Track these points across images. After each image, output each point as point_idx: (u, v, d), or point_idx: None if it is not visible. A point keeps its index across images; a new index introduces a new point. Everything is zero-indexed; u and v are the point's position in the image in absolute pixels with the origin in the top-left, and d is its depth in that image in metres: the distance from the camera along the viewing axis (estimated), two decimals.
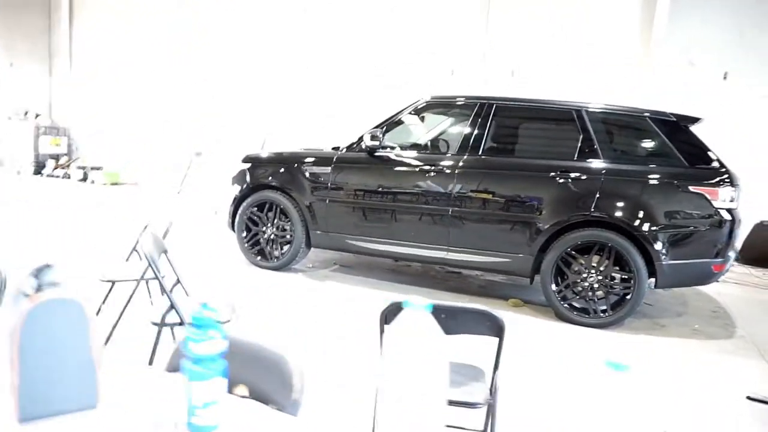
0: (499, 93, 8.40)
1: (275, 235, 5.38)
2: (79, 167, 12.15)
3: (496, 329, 2.01)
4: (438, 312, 2.03)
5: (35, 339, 1.03)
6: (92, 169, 11.93)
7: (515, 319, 4.27)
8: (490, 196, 4.58)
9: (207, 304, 1.06)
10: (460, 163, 4.66)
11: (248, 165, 5.54)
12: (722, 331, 4.46)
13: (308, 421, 1.20)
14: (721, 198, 4.09)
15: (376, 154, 4.94)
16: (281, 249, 5.38)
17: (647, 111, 4.40)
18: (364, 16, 9.56)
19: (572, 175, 4.37)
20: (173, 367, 1.36)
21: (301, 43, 10.11)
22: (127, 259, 3.73)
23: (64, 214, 7.98)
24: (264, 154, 5.67)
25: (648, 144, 4.38)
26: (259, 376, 1.33)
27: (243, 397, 1.28)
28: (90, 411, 1.10)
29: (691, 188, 4.12)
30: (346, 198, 5.06)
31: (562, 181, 4.39)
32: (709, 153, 4.22)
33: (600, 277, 4.31)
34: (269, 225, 5.39)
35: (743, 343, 4.20)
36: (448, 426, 1.96)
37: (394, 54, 9.35)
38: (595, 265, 4.32)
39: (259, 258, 5.46)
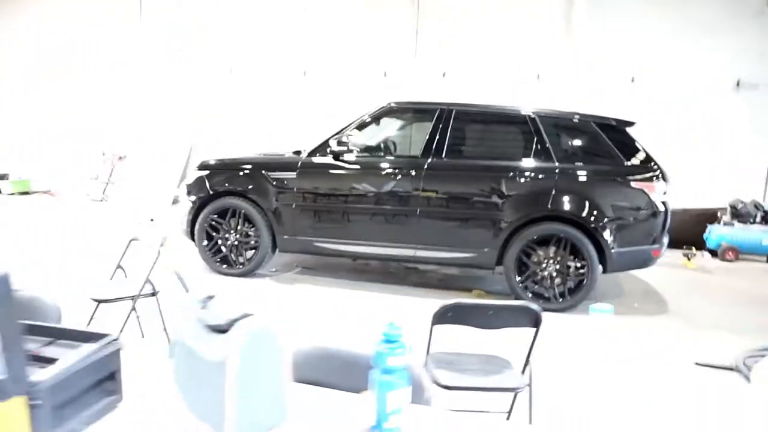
0: (430, 94, 8.84)
1: (239, 241, 5.35)
2: None
3: (534, 320, 2.28)
4: (486, 309, 2.27)
5: (246, 368, 1.12)
6: None
7: None
8: (455, 196, 4.89)
9: (393, 322, 1.20)
10: (426, 165, 4.91)
11: (206, 172, 5.44)
12: (658, 308, 5.09)
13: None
14: (657, 191, 4.68)
15: (342, 158, 5.07)
16: (245, 255, 5.37)
17: (591, 116, 4.90)
18: (293, 19, 9.54)
19: (530, 174, 4.78)
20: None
21: (232, 45, 9.90)
22: (111, 278, 3.60)
23: None
24: (222, 161, 5.59)
25: (593, 145, 4.87)
26: None
27: None
28: (280, 426, 1.20)
29: (633, 184, 4.68)
30: (313, 202, 5.15)
31: (521, 180, 4.78)
32: (643, 152, 4.79)
33: (557, 267, 4.76)
34: (232, 231, 5.34)
35: (677, 317, 4.83)
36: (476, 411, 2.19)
37: (327, 56, 9.43)
38: (552, 255, 4.76)
39: (224, 266, 5.40)
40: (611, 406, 3.19)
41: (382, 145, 5.33)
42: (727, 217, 7.50)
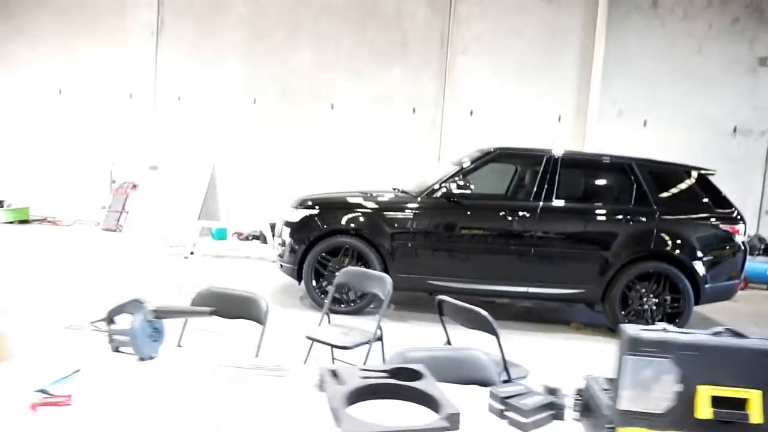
0: (458, 132, 9.30)
1: None
2: None
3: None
4: None
5: None
6: None
7: (579, 337, 5.12)
8: (567, 237, 5.32)
9: None
10: (539, 208, 5.32)
11: (314, 211, 5.55)
12: None
13: None
14: (740, 233, 5.34)
15: (455, 199, 5.37)
16: (356, 293, 5.49)
17: (680, 165, 5.53)
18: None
19: (634, 217, 5.30)
20: None
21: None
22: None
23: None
24: (331, 199, 5.71)
25: (684, 191, 5.48)
26: None
27: None
28: None
29: (722, 227, 5.31)
30: (429, 241, 5.40)
31: (627, 222, 5.30)
32: (724, 197, 5.46)
33: (656, 300, 5.29)
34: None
35: None
36: None
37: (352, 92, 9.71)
38: (653, 290, 5.28)
39: (334, 304, 5.48)
40: None
41: (491, 188, 5.65)
42: None
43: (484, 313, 3.17)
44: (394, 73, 9.69)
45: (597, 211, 5.37)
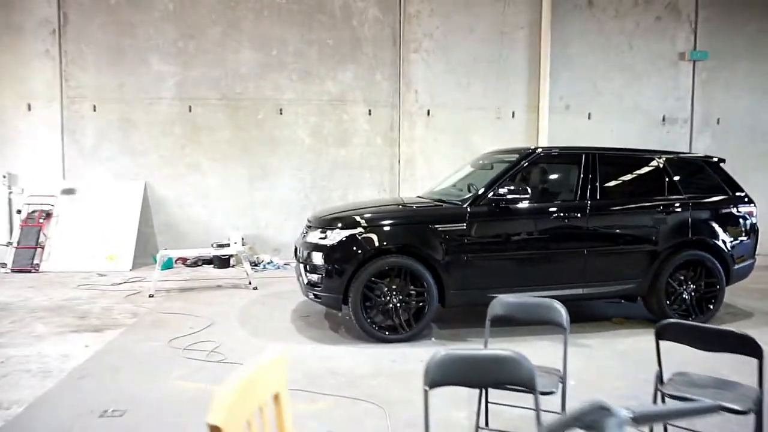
0: (418, 133, 9.07)
1: (402, 302, 4.93)
2: None
3: (754, 351, 2.61)
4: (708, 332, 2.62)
5: None
6: None
7: (634, 332, 5.21)
8: (616, 234, 5.29)
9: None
10: (588, 207, 5.22)
11: (359, 229, 4.90)
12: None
13: None
14: (755, 215, 5.72)
15: (508, 205, 5.07)
16: (408, 316, 4.96)
17: (699, 155, 5.78)
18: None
19: (671, 208, 5.42)
20: None
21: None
22: None
23: None
24: (374, 216, 5.09)
25: (705, 180, 5.72)
26: None
27: None
28: None
29: (740, 209, 5.64)
30: (484, 252, 5.04)
31: (666, 214, 5.40)
32: (736, 182, 5.81)
33: (693, 287, 5.47)
34: (394, 293, 4.90)
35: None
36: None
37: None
38: (691, 277, 5.45)
39: (386, 332, 4.91)
40: None
41: (536, 190, 5.41)
42: None
43: (557, 304, 2.98)
44: (346, 73, 9.11)
45: (640, 206, 5.41)
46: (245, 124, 8.95)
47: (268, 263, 8.70)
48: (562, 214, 5.19)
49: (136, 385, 3.90)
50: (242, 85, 8.88)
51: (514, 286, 5.08)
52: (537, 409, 2.16)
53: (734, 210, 5.65)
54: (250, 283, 7.13)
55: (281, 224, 9.15)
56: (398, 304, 4.90)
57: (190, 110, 8.79)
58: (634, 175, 5.60)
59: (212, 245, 8.47)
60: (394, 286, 4.88)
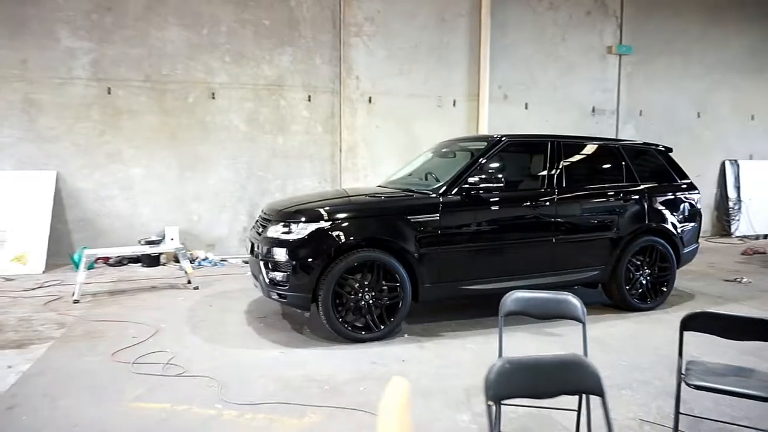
0: (360, 120, 8.81)
1: (373, 299, 4.63)
2: None
3: None
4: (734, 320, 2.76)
5: None
6: None
7: (600, 318, 5.31)
8: (583, 221, 5.30)
9: None
10: (556, 195, 5.18)
11: (327, 223, 4.53)
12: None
13: None
14: (698, 200, 5.99)
15: (474, 194, 4.90)
16: (381, 313, 4.68)
17: (650, 144, 5.93)
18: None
19: (630, 195, 5.53)
20: None
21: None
22: None
23: None
24: (343, 206, 4.73)
25: (656, 167, 5.88)
26: None
27: None
28: None
29: (687, 196, 5.88)
30: (458, 243, 4.85)
31: (627, 201, 5.49)
32: (682, 170, 6.04)
33: (648, 272, 5.63)
34: (366, 289, 4.59)
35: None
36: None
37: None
38: (646, 262, 5.60)
39: (362, 332, 4.59)
40: None
41: (504, 179, 5.27)
42: None
43: (572, 297, 2.88)
44: (284, 56, 8.57)
45: (604, 193, 5.46)
46: (173, 108, 8.17)
47: (203, 260, 8.03)
48: (532, 203, 5.12)
49: (84, 413, 3.31)
50: (169, 65, 8.09)
51: (487, 278, 4.95)
52: (607, 416, 1.97)
53: (683, 196, 5.87)
54: (189, 283, 6.51)
55: (215, 217, 8.49)
56: (370, 301, 4.60)
57: (109, 92, 7.87)
58: (596, 163, 5.66)
59: (139, 242, 7.68)
60: (366, 282, 4.57)
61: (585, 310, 2.90)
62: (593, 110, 10.34)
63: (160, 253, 7.69)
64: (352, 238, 4.50)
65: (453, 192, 4.87)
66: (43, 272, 7.19)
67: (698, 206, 5.99)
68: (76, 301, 5.74)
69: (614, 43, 10.30)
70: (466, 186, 4.87)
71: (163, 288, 6.51)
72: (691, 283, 6.87)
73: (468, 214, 4.89)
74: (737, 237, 11.00)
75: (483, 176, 4.87)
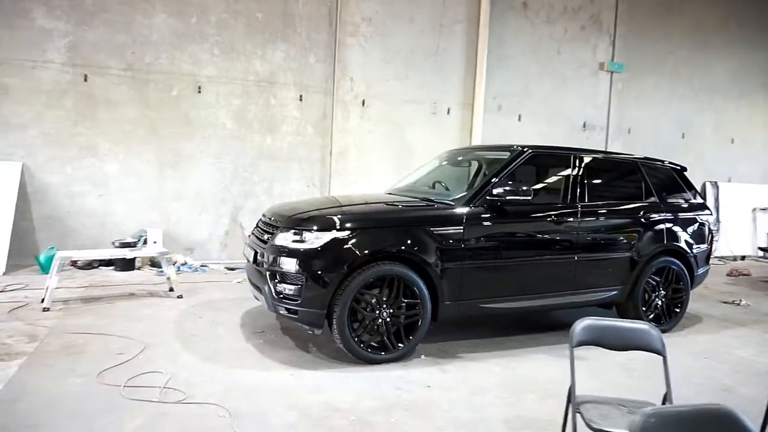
0: (352, 123, 8.44)
1: (391, 316, 4.25)
2: None
3: None
4: None
5: None
6: None
7: None
8: (605, 238, 5.07)
9: None
10: (579, 210, 4.94)
11: (345, 232, 4.13)
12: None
13: None
14: (711, 222, 5.87)
15: (501, 206, 4.61)
16: (399, 332, 4.30)
17: (668, 162, 5.79)
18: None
19: (649, 215, 5.34)
20: None
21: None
22: None
23: None
24: (361, 214, 4.35)
25: (673, 186, 5.73)
26: None
27: None
28: None
29: (701, 216, 5.75)
30: (481, 257, 4.52)
31: (647, 219, 5.30)
32: (696, 191, 5.92)
33: (664, 293, 5.46)
34: (385, 306, 4.21)
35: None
36: None
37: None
38: (663, 283, 5.42)
39: (382, 352, 4.20)
40: None
41: (531, 191, 4.96)
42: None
43: (650, 327, 2.66)
44: (276, 52, 8.11)
45: (626, 210, 5.26)
46: (155, 101, 7.58)
47: (183, 264, 7.45)
48: (556, 218, 4.86)
49: None
50: (153, 54, 7.51)
51: (508, 296, 4.65)
52: None
53: (698, 217, 5.74)
54: (171, 290, 5.96)
55: (195, 219, 7.92)
56: (388, 319, 4.22)
57: (85, 80, 7.23)
58: (617, 179, 5.46)
59: (113, 243, 7.05)
60: (384, 298, 4.19)
61: (664, 341, 2.62)
62: (584, 125, 10.28)
63: (137, 257, 7.08)
64: (372, 249, 4.11)
65: (476, 203, 4.55)
66: (4, 274, 6.49)
67: (711, 227, 5.88)
68: (46, 309, 5.12)
69: (607, 60, 10.28)
70: (490, 198, 4.56)
71: (143, 296, 5.93)
72: (691, 304, 6.75)
73: (493, 227, 4.58)
74: (716, 257, 11.12)
75: (507, 188, 4.57)
